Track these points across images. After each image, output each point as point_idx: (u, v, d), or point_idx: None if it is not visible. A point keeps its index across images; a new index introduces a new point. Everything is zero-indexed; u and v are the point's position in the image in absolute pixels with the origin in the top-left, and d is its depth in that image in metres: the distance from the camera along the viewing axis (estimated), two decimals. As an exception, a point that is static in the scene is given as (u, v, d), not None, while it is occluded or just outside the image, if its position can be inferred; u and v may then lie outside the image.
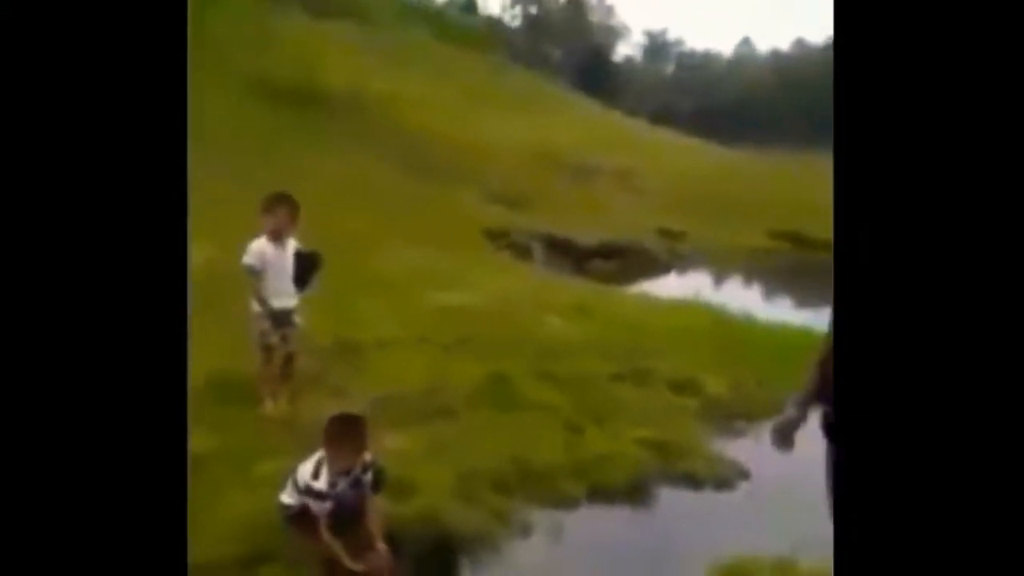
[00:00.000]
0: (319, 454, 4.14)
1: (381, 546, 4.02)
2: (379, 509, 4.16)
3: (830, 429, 2.95)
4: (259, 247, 5.51)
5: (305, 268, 5.67)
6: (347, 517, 4.10)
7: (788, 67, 79.03)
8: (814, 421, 6.46)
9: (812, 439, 5.84)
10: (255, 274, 5.50)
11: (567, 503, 4.82)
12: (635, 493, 5.01)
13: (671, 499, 5.03)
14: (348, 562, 3.91)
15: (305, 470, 4.11)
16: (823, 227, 18.45)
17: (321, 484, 4.04)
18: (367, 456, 4.22)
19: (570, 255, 14.27)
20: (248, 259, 5.50)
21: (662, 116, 29.12)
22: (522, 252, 13.42)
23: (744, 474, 5.33)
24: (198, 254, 8.02)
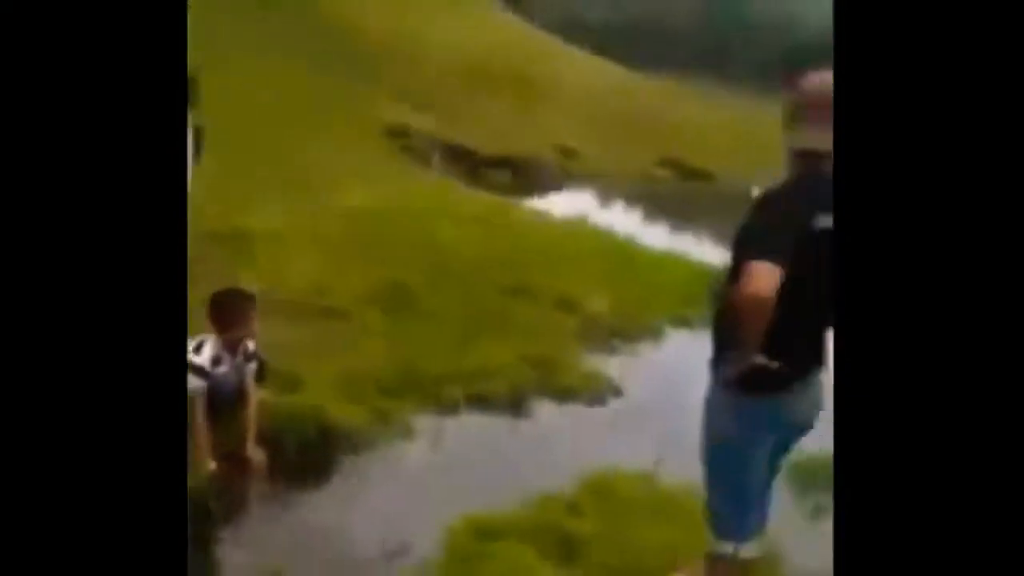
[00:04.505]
0: (203, 335, 4.12)
1: (253, 452, 4.05)
2: (258, 403, 4.18)
3: (740, 376, 2.62)
4: None
5: (196, 142, 5.46)
6: (225, 404, 4.11)
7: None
8: (687, 350, 6.80)
9: (682, 365, 6.20)
10: None
11: (448, 409, 4.99)
12: (514, 403, 5.23)
13: (546, 411, 5.28)
14: (208, 456, 3.89)
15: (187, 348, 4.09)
16: (708, 157, 18.99)
17: (202, 360, 4.01)
18: (251, 344, 4.23)
19: (467, 163, 14.22)
20: None
21: (572, 29, 28.89)
22: (420, 156, 13.27)
23: (616, 391, 5.62)
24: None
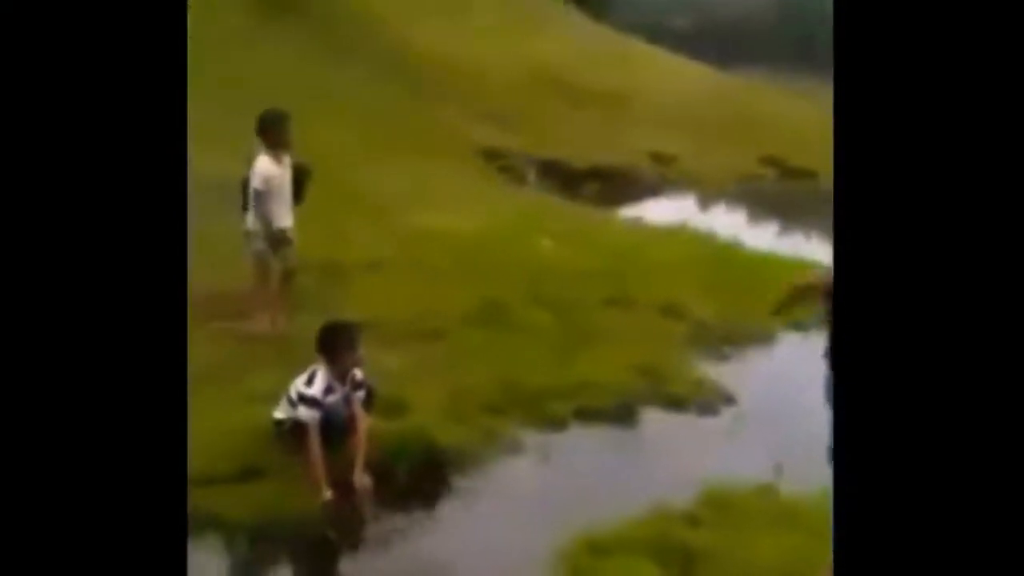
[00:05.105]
0: (314, 366, 4.20)
1: (360, 479, 4.08)
2: (368, 430, 4.22)
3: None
4: (264, 169, 5.36)
5: (300, 182, 5.63)
6: (336, 433, 4.17)
7: (789, -10, 77.12)
8: (800, 352, 6.53)
9: (797, 368, 5.98)
10: (260, 196, 5.42)
11: (555, 424, 4.92)
12: (621, 415, 5.11)
13: (656, 422, 5.14)
14: (324, 486, 3.96)
15: (299, 380, 4.18)
16: (809, 155, 18.35)
17: (314, 391, 4.09)
18: (358, 372, 4.29)
19: (563, 177, 14.19)
20: (256, 183, 5.35)
21: (657, 35, 28.64)
22: (516, 174, 13.32)
23: (729, 399, 5.44)
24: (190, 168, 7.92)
